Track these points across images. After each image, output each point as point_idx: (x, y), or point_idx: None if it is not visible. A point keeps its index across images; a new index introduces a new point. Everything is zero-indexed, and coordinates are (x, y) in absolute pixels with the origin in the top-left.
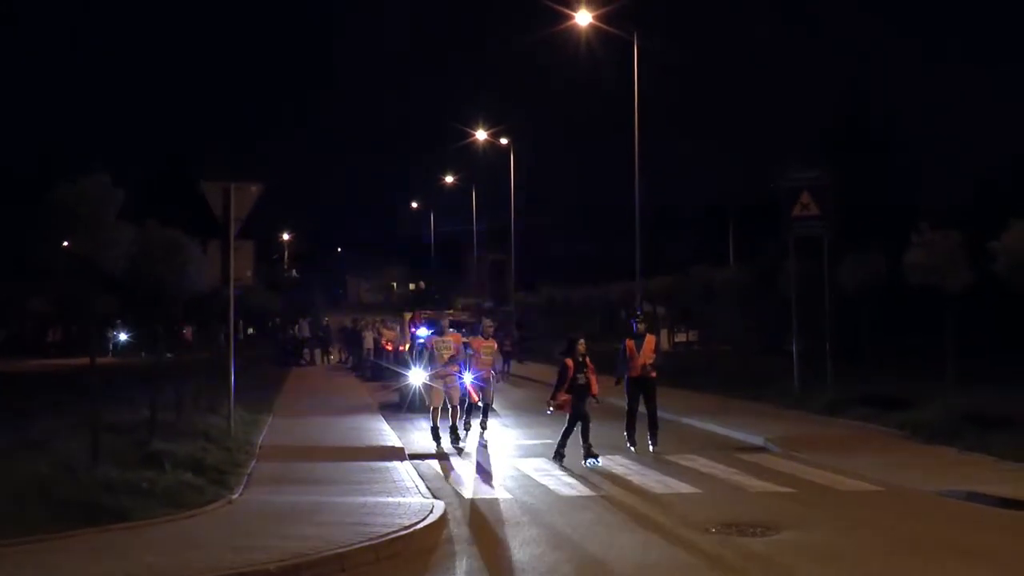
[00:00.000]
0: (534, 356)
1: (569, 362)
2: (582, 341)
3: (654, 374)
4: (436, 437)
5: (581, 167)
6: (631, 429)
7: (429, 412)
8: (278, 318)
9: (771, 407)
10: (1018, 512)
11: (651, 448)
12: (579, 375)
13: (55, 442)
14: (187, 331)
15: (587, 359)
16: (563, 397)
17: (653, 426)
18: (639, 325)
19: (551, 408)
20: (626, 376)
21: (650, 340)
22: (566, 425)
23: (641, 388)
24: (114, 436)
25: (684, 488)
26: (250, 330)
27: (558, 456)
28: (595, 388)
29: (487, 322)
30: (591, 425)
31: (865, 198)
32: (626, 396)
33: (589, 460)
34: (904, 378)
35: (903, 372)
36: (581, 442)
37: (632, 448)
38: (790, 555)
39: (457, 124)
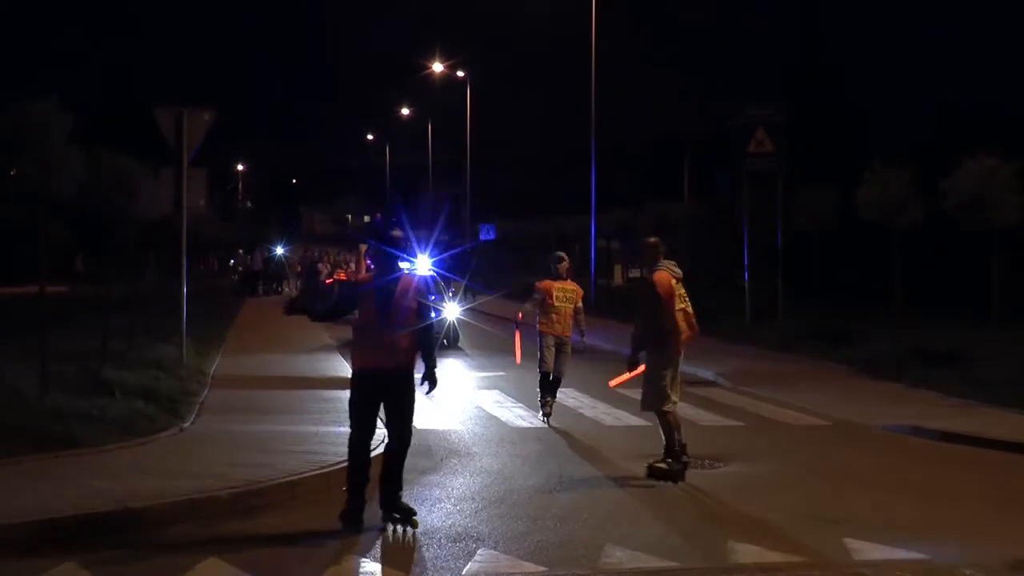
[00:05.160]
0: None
1: None
2: None
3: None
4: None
5: (537, 102)
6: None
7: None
8: (239, 249)
9: (722, 342)
10: (957, 446)
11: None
12: None
13: (2, 369)
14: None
15: None
16: None
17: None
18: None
19: None
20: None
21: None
22: None
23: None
24: (65, 364)
25: (634, 421)
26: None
27: None
28: None
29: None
30: None
31: (820, 135)
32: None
33: None
34: (854, 314)
35: (853, 308)
36: None
37: None
38: (735, 487)
39: (415, 57)
